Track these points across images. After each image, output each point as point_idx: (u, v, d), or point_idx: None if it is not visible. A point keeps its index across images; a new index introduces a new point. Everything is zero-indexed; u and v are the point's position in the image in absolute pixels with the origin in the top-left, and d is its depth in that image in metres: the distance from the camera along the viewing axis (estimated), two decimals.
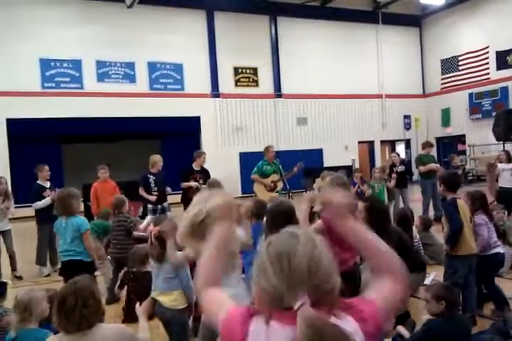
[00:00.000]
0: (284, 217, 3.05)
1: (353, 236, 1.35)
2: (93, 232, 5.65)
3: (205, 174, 8.10)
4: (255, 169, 8.30)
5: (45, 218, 6.95)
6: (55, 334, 2.40)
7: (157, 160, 7.91)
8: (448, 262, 4.09)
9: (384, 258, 1.32)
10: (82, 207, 8.55)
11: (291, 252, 1.14)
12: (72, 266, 4.31)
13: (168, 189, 7.94)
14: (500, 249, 4.37)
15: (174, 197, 8.33)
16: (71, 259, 4.36)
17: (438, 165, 9.52)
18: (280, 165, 8.20)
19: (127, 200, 5.97)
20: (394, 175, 9.08)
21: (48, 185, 7.29)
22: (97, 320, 2.12)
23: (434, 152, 12.69)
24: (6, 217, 6.91)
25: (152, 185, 7.77)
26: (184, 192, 7.97)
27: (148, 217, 7.39)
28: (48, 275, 6.90)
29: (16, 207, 7.20)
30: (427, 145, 10.00)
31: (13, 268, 6.93)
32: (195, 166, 8.09)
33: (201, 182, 7.78)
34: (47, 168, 7.33)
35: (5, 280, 5.99)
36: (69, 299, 2.09)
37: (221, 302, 1.27)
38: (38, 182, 7.26)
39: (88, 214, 8.35)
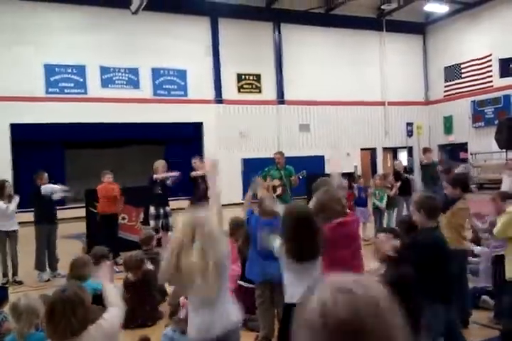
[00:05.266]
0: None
1: None
2: None
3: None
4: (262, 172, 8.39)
5: (43, 217, 7.00)
6: None
7: (158, 165, 8.10)
8: None
9: None
10: (84, 212, 8.73)
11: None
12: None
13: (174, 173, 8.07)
14: None
15: (177, 203, 8.38)
16: None
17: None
18: (287, 172, 8.06)
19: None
20: (396, 184, 9.08)
21: None
22: (84, 327, 2.09)
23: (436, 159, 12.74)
24: (12, 217, 6.90)
25: (158, 187, 7.97)
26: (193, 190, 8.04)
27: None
28: (48, 280, 6.88)
29: (17, 212, 7.14)
30: (425, 150, 10.30)
31: (14, 272, 6.88)
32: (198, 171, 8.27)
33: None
34: (46, 175, 7.33)
35: (6, 286, 6.01)
36: (58, 307, 2.07)
37: None
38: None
39: (90, 219, 8.43)
